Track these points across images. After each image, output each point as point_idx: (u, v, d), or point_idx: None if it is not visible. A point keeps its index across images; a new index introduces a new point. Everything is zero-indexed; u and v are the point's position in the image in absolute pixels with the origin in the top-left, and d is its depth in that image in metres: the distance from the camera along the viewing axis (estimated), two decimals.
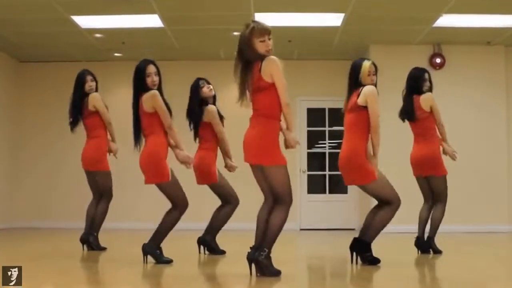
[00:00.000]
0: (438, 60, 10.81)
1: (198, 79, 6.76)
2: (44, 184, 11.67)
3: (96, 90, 7.15)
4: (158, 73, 5.80)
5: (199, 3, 8.74)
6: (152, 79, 5.73)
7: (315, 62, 11.81)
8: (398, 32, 10.12)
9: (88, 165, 7.07)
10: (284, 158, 4.77)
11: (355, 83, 5.68)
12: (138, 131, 5.77)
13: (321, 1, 8.72)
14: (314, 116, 11.95)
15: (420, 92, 6.72)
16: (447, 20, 9.47)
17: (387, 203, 5.59)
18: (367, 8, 8.86)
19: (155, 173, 5.65)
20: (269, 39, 4.83)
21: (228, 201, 6.72)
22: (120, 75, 11.90)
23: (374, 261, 5.55)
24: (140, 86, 5.73)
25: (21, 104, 11.85)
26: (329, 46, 10.91)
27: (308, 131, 11.89)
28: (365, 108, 5.55)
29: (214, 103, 6.76)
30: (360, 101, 5.55)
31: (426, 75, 6.78)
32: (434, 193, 6.74)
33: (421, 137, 6.73)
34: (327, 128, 11.89)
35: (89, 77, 7.12)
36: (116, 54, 11.47)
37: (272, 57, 4.78)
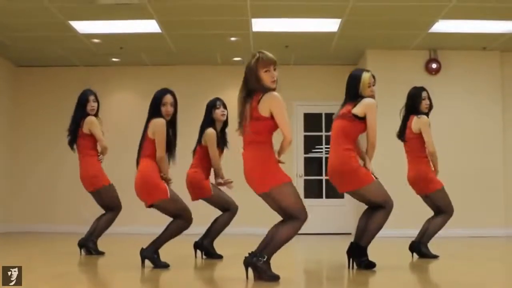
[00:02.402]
0: (434, 65, 10.86)
1: (216, 99, 6.79)
2: (43, 188, 11.67)
3: (97, 112, 7.17)
4: (175, 103, 5.82)
5: (196, 8, 8.78)
6: (167, 109, 5.75)
7: (312, 67, 11.86)
8: (394, 37, 10.17)
9: (89, 186, 7.09)
10: (286, 176, 4.82)
11: (353, 94, 5.62)
12: (140, 153, 5.80)
13: (317, 7, 8.76)
14: (311, 121, 11.98)
15: (418, 111, 6.70)
16: (443, 26, 9.52)
17: (379, 207, 5.61)
18: (363, 13, 8.90)
19: (152, 193, 5.68)
20: (274, 69, 4.81)
21: (227, 209, 6.77)
22: (118, 80, 11.97)
23: (370, 266, 5.57)
24: (154, 113, 5.76)
25: (19, 108, 11.87)
26: (326, 51, 10.95)
27: (305, 136, 11.93)
28: (358, 119, 5.50)
29: (224, 128, 6.80)
30: (357, 111, 5.50)
31: (424, 94, 6.74)
32: (437, 207, 6.76)
33: (409, 158, 6.75)
34: (323, 133, 11.92)
35: (91, 97, 7.14)
36: (113, 59, 11.50)
37: (274, 93, 4.75)
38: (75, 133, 7.08)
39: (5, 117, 11.58)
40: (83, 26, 9.50)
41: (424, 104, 6.71)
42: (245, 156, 4.83)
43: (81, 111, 7.09)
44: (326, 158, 11.87)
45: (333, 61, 11.45)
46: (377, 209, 5.62)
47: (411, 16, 9.10)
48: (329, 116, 11.86)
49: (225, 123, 6.83)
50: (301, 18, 9.28)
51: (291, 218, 4.79)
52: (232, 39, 10.20)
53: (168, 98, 5.78)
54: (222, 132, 6.82)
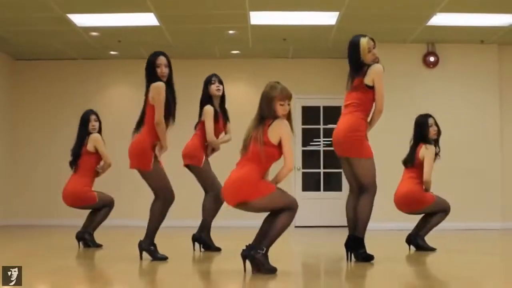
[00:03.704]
0: (431, 59, 10.87)
1: (212, 75, 6.83)
2: (43, 182, 11.67)
3: (100, 130, 7.24)
4: (169, 65, 5.83)
5: (195, 2, 8.78)
6: (162, 70, 5.76)
7: (310, 61, 11.87)
8: (392, 30, 10.18)
9: (74, 202, 7.15)
10: (271, 185, 4.79)
11: (355, 62, 5.61)
12: (141, 120, 5.82)
13: (316, 0, 8.77)
14: (309, 114, 12.00)
15: (427, 139, 6.74)
16: (441, 19, 9.52)
17: (363, 190, 5.59)
18: (361, 6, 8.91)
19: (139, 160, 5.69)
20: (289, 104, 4.92)
21: (208, 190, 6.71)
22: (116, 73, 11.98)
23: (368, 258, 5.59)
24: (150, 78, 5.78)
25: (17, 101, 11.87)
26: (324, 44, 10.96)
27: (303, 129, 11.94)
28: (371, 88, 5.52)
29: (221, 103, 6.82)
30: (367, 81, 5.52)
31: (430, 121, 6.79)
32: (435, 211, 6.80)
33: (404, 178, 6.81)
34: (321, 126, 11.94)
35: (93, 117, 7.22)
36: (112, 52, 11.50)
37: (285, 121, 4.86)
38: (78, 153, 7.14)
39: (3, 110, 11.58)
40: (81, 19, 9.49)
41: (432, 131, 6.77)
42: (233, 172, 4.84)
43: (84, 131, 7.18)
44: (324, 151, 11.90)
45: (331, 54, 11.45)
46: (361, 196, 5.61)
47: (409, 9, 9.10)
48: (327, 109, 11.91)
49: (223, 99, 6.85)
50: (299, 11, 9.28)
51: (288, 209, 4.83)
52: (231, 32, 10.20)
53: (161, 59, 5.80)
54: (222, 108, 6.83)
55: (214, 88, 6.77)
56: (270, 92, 4.88)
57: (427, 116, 6.85)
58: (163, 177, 5.79)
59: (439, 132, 6.83)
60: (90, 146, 7.12)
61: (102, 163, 7.25)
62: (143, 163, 5.68)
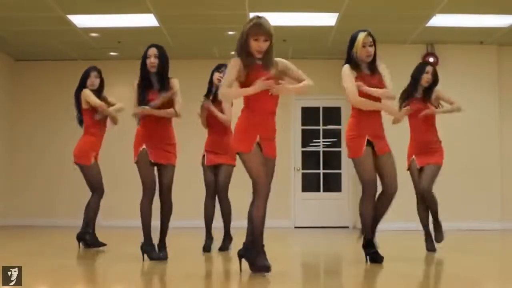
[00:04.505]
0: (431, 60, 10.86)
1: (222, 64, 6.81)
2: (42, 182, 11.68)
3: (102, 88, 7.04)
4: (160, 55, 5.76)
5: (194, 2, 8.79)
6: (151, 61, 5.74)
7: (309, 61, 11.84)
8: (391, 31, 10.19)
9: (75, 156, 6.97)
10: (243, 145, 4.69)
11: (348, 57, 5.57)
12: None
13: (315, 1, 8.78)
14: (309, 114, 12.01)
15: (418, 83, 6.69)
16: (440, 20, 9.54)
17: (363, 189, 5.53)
18: (361, 7, 8.93)
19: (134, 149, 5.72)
20: (265, 40, 4.69)
21: (206, 190, 6.73)
22: (116, 74, 11.93)
23: (375, 258, 5.48)
24: (140, 70, 5.80)
25: (18, 102, 11.88)
26: (323, 45, 10.98)
27: (303, 130, 11.95)
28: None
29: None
30: None
31: (427, 68, 6.70)
32: None
33: None
34: (321, 127, 11.95)
35: (93, 73, 6.98)
36: (112, 53, 11.51)
37: (233, 60, 4.74)
38: (81, 112, 6.96)
39: (3, 111, 11.59)
40: (81, 20, 9.51)
41: (425, 78, 6.67)
42: None
43: (80, 88, 6.94)
44: (324, 152, 11.92)
45: (330, 55, 11.47)
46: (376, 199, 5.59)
47: (408, 10, 9.12)
48: (327, 110, 11.92)
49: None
50: (298, 12, 9.30)
51: (254, 192, 4.70)
52: (230, 33, 10.21)
53: (151, 50, 5.78)
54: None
55: (216, 76, 6.79)
56: (244, 27, 4.75)
57: (428, 63, 6.89)
58: (148, 174, 5.76)
59: (434, 82, 6.70)
60: (84, 104, 6.87)
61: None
62: (134, 152, 5.71)
